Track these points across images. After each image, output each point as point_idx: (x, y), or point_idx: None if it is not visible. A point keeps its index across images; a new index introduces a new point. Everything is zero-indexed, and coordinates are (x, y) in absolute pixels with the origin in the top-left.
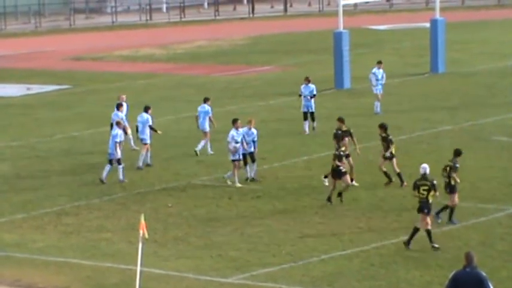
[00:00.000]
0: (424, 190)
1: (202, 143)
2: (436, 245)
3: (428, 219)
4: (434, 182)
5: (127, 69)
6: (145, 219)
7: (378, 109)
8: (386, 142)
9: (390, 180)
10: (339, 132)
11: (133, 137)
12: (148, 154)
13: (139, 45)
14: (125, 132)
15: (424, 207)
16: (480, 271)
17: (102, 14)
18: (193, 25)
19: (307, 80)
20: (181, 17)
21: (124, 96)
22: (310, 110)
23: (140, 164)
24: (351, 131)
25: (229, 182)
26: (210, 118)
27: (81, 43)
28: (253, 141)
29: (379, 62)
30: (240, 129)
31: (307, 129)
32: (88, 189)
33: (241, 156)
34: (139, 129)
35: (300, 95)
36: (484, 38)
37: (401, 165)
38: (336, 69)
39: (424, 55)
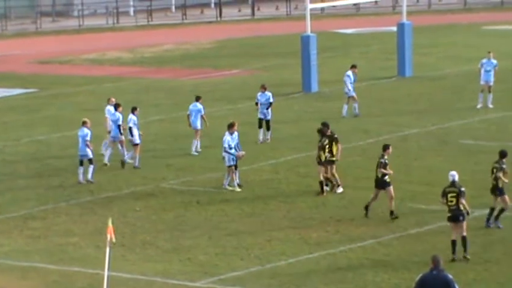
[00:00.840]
0: (452, 197)
1: (195, 142)
2: (468, 257)
3: (464, 226)
4: (462, 189)
5: (94, 72)
6: (113, 223)
7: (488, 102)
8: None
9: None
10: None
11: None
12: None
13: (106, 49)
14: (120, 133)
15: (458, 215)
16: (447, 274)
17: (69, 18)
18: (161, 29)
19: (264, 88)
20: (148, 21)
21: (114, 99)
22: (267, 118)
23: (136, 163)
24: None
25: (230, 188)
26: (202, 116)
27: (48, 46)
28: (236, 145)
29: (489, 52)
30: (235, 134)
31: (261, 138)
32: (55, 193)
33: (236, 162)
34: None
35: (257, 103)
36: (451, 42)
37: (369, 169)
38: (304, 72)
39: (391, 59)
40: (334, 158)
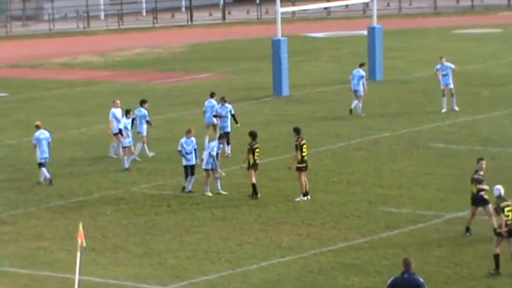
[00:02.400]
0: (509, 211)
1: (207, 138)
2: None
3: None
4: None
5: (65, 76)
6: (83, 228)
7: (359, 110)
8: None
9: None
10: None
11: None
12: (145, 146)
13: (77, 53)
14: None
15: None
16: (418, 277)
17: (39, 22)
18: (132, 33)
19: (224, 100)
20: (119, 25)
21: (118, 101)
22: (226, 130)
23: (148, 152)
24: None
25: (210, 194)
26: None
27: (18, 50)
28: (194, 150)
29: (441, 57)
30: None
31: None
32: (25, 198)
33: (212, 166)
34: (137, 123)
35: (216, 116)
36: (421, 46)
37: (339, 173)
38: (275, 76)
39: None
40: (302, 165)
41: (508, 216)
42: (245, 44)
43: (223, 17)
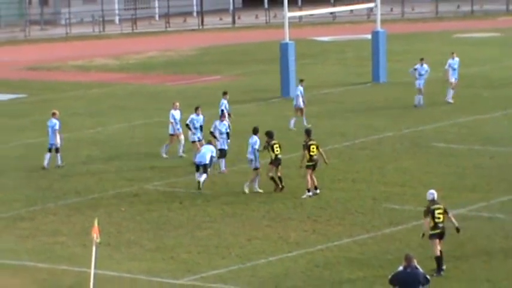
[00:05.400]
0: (439, 214)
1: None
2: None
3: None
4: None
5: (81, 78)
6: (99, 224)
7: (421, 102)
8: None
9: (278, 186)
10: None
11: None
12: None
13: (92, 56)
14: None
15: (444, 232)
16: (419, 271)
17: (57, 26)
18: (145, 36)
19: (197, 111)
20: (133, 29)
21: (178, 103)
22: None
23: (181, 151)
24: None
25: (255, 190)
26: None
27: (36, 54)
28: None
29: (422, 59)
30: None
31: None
32: (43, 194)
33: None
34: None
35: (188, 125)
36: (423, 49)
37: (345, 171)
38: (283, 78)
39: (366, 65)
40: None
41: (439, 218)
42: (254, 47)
43: (233, 22)
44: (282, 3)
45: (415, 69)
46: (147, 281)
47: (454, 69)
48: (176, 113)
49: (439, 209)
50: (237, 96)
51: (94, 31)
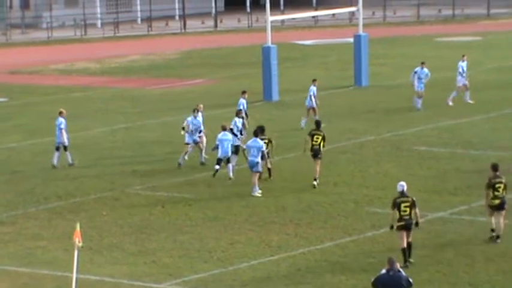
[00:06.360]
0: (405, 207)
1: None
2: (412, 260)
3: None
4: (414, 198)
5: (63, 82)
6: (80, 228)
7: (419, 105)
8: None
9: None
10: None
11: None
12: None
13: (74, 60)
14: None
15: (411, 224)
16: (402, 274)
17: (38, 30)
18: (127, 40)
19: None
20: (115, 33)
21: (201, 105)
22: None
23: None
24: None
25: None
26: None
27: (18, 57)
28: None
29: (423, 63)
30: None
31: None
32: (25, 199)
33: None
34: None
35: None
36: (405, 53)
37: (326, 175)
38: (265, 82)
39: (348, 69)
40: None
41: (405, 211)
42: (236, 51)
43: (215, 25)
44: (264, 7)
45: (415, 73)
46: (129, 285)
47: (464, 71)
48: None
49: (406, 202)
50: (219, 100)
51: (76, 35)
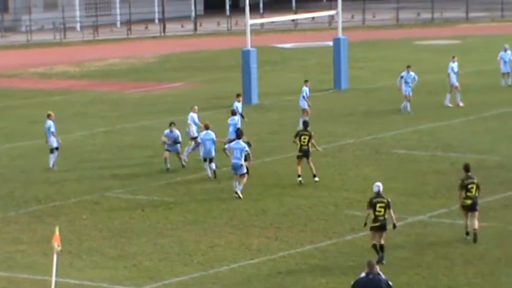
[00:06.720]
0: (380, 207)
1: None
2: (384, 262)
3: (384, 234)
4: (389, 199)
5: (42, 86)
6: (60, 231)
7: (408, 108)
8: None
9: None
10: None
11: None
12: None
13: (53, 63)
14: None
15: (385, 225)
16: (382, 277)
17: (17, 33)
18: (106, 43)
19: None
20: (94, 36)
21: (196, 107)
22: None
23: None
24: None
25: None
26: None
27: None
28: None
29: (409, 66)
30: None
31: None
32: (4, 203)
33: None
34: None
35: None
36: (384, 56)
37: (306, 178)
38: (244, 85)
39: (328, 72)
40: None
41: (380, 212)
42: (216, 54)
43: (195, 29)
44: (243, 10)
45: (402, 77)
46: None
47: (455, 73)
48: (195, 116)
49: (381, 202)
50: (199, 104)
51: (55, 38)
